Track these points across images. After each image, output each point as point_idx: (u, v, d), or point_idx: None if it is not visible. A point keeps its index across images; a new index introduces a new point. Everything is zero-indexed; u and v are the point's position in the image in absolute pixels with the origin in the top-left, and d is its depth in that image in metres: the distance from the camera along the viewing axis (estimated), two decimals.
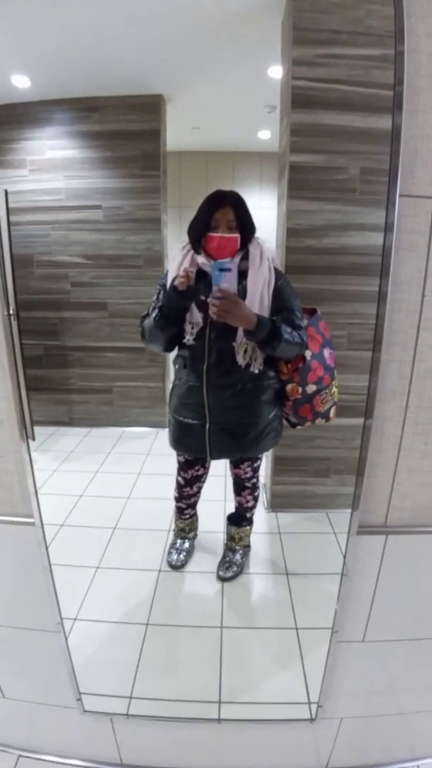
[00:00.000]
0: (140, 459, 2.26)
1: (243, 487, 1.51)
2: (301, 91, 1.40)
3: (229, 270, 1.09)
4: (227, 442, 1.32)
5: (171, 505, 1.61)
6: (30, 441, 0.85)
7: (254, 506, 1.56)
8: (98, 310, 2.54)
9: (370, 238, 1.47)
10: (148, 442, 2.46)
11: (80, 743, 1.12)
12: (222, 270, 1.09)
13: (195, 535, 1.65)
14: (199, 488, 1.54)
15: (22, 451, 0.85)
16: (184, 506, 1.57)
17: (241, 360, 1.23)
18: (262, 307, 1.20)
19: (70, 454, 2.26)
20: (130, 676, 1.16)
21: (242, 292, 1.18)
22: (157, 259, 2.48)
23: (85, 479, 2.02)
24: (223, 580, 1.50)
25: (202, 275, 1.17)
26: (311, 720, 1.05)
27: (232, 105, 2.21)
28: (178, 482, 1.53)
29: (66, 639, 0.98)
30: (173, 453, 1.48)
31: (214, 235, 1.18)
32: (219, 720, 1.07)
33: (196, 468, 1.48)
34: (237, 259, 1.19)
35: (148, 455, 2.30)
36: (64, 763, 1.12)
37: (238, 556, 1.56)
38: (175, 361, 1.34)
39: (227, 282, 1.09)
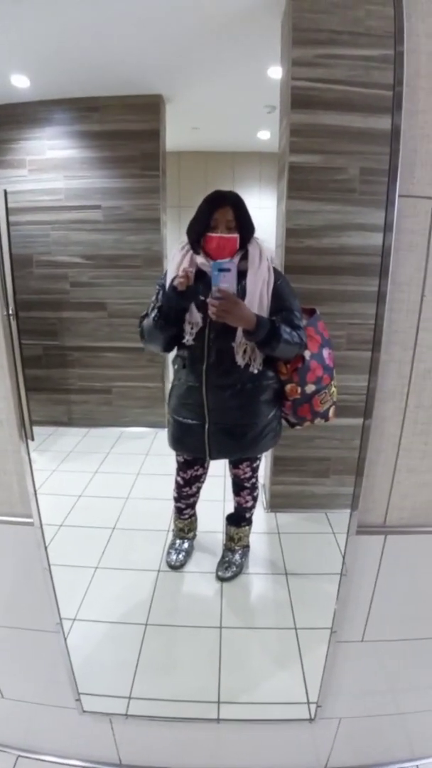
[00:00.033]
0: (139, 459, 2.25)
1: (242, 487, 1.51)
2: (300, 92, 1.40)
3: (228, 270, 1.09)
4: (226, 442, 1.32)
5: (170, 506, 1.61)
6: (29, 441, 0.85)
7: (253, 506, 1.56)
8: (97, 310, 2.54)
9: (370, 239, 1.47)
10: (147, 442, 2.46)
11: (79, 743, 1.12)
12: (221, 270, 1.09)
13: (194, 536, 1.65)
14: (198, 488, 1.54)
15: (21, 451, 0.85)
16: (183, 506, 1.57)
17: (240, 360, 1.23)
18: (261, 307, 1.20)
19: (69, 455, 2.25)
20: (129, 677, 1.16)
21: (241, 292, 1.18)
22: (157, 259, 2.48)
23: (84, 479, 2.02)
24: (222, 580, 1.50)
25: (201, 275, 1.17)
26: (310, 720, 1.05)
27: (232, 105, 2.21)
28: (177, 482, 1.53)
29: (65, 639, 0.98)
30: (172, 453, 1.48)
31: (214, 235, 1.18)
32: (218, 720, 1.07)
33: (195, 468, 1.48)
34: (236, 259, 1.19)
35: (147, 455, 2.30)
36: (63, 764, 1.12)
37: (237, 557, 1.56)
38: (174, 362, 1.34)
39: (226, 282, 1.09)
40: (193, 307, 1.20)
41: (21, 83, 1.97)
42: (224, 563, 1.54)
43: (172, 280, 1.16)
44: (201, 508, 1.62)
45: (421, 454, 0.83)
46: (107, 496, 1.93)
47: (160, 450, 2.30)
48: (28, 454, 0.85)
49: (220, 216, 1.18)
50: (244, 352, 1.22)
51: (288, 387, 1.29)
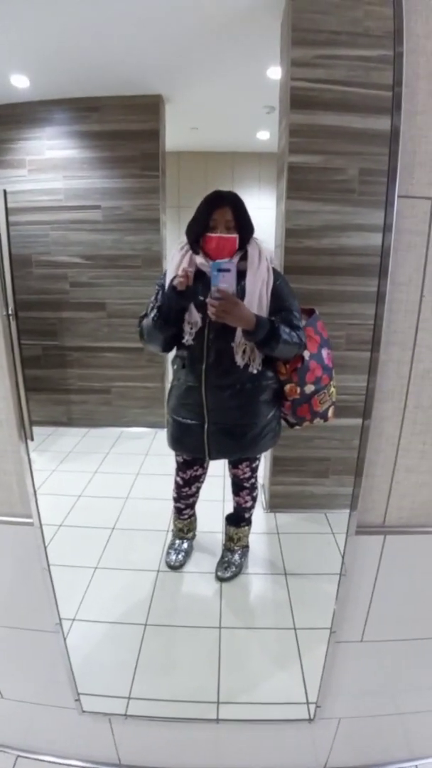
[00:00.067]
0: (139, 459, 2.25)
1: (241, 487, 1.51)
2: (300, 92, 1.40)
3: (227, 270, 1.09)
4: (226, 442, 1.32)
5: (169, 506, 1.61)
6: (28, 441, 0.85)
7: (253, 506, 1.56)
8: (97, 310, 2.54)
9: (369, 239, 1.47)
10: (147, 442, 2.46)
11: (79, 743, 1.12)
12: (221, 270, 1.09)
13: (193, 536, 1.65)
14: (198, 488, 1.54)
15: (20, 452, 0.85)
16: (182, 506, 1.57)
17: (239, 360, 1.23)
18: (260, 307, 1.20)
19: (69, 455, 2.25)
20: (128, 677, 1.16)
21: (240, 293, 1.18)
22: (156, 259, 2.48)
23: (84, 479, 2.02)
24: (221, 580, 1.50)
25: (200, 275, 1.17)
26: (309, 720, 1.05)
27: (231, 105, 2.21)
28: (176, 482, 1.53)
29: (64, 639, 0.98)
30: (172, 453, 1.48)
31: (213, 235, 1.18)
32: (217, 720, 1.07)
33: (195, 468, 1.48)
34: (235, 259, 1.19)
35: (146, 455, 2.30)
36: (62, 764, 1.12)
37: (236, 557, 1.56)
38: (173, 362, 1.34)
39: (226, 282, 1.09)
40: (192, 307, 1.20)
41: (21, 83, 1.96)
42: (224, 563, 1.54)
43: (172, 280, 1.16)
44: (200, 508, 1.62)
45: (420, 455, 0.83)
46: (107, 497, 1.93)
47: (160, 450, 2.29)
48: (28, 454, 0.85)
49: (220, 216, 1.18)
50: (244, 352, 1.23)
51: (287, 387, 1.29)
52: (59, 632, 0.97)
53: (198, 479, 1.51)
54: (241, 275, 1.18)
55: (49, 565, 0.91)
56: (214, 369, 1.25)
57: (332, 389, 1.32)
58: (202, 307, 1.18)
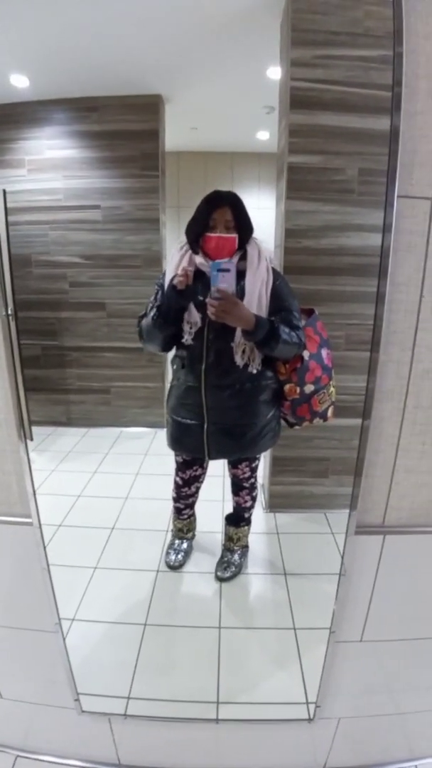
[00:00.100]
0: (138, 459, 2.25)
1: (241, 487, 1.51)
2: (299, 92, 1.40)
3: (227, 270, 1.09)
4: (225, 442, 1.32)
5: (169, 506, 1.61)
6: (28, 441, 0.85)
7: (252, 506, 1.56)
8: (96, 310, 2.54)
9: (369, 239, 1.47)
10: (146, 442, 2.45)
11: (78, 743, 1.12)
12: (220, 270, 1.09)
13: (193, 536, 1.65)
14: (197, 488, 1.54)
15: (20, 451, 0.85)
16: (182, 506, 1.57)
17: (239, 360, 1.23)
18: (260, 307, 1.20)
19: (68, 455, 2.25)
20: (128, 677, 1.16)
21: (240, 293, 1.18)
22: (156, 259, 2.48)
23: (83, 479, 2.02)
24: (221, 580, 1.50)
25: (200, 275, 1.17)
26: (309, 720, 1.05)
27: (231, 105, 2.21)
28: (176, 482, 1.53)
29: (64, 639, 0.98)
30: (171, 453, 1.48)
31: (212, 235, 1.18)
32: (217, 720, 1.07)
33: (194, 468, 1.48)
34: (235, 259, 1.19)
35: (146, 455, 2.30)
36: (62, 764, 1.12)
37: (236, 557, 1.56)
38: (173, 362, 1.34)
39: (225, 282, 1.09)
40: (191, 307, 1.20)
41: (20, 83, 1.96)
42: (223, 563, 1.54)
43: (172, 279, 1.16)
44: (200, 508, 1.62)
45: (420, 455, 0.83)
46: (106, 496, 1.92)
47: (159, 450, 2.29)
48: (27, 454, 0.85)
49: (219, 216, 1.18)
50: (243, 352, 1.23)
51: (287, 387, 1.29)
52: (59, 632, 0.97)
53: (197, 479, 1.51)
54: (241, 275, 1.18)
55: (48, 565, 0.91)
56: (214, 369, 1.25)
57: (332, 389, 1.32)
58: (201, 307, 1.18)
